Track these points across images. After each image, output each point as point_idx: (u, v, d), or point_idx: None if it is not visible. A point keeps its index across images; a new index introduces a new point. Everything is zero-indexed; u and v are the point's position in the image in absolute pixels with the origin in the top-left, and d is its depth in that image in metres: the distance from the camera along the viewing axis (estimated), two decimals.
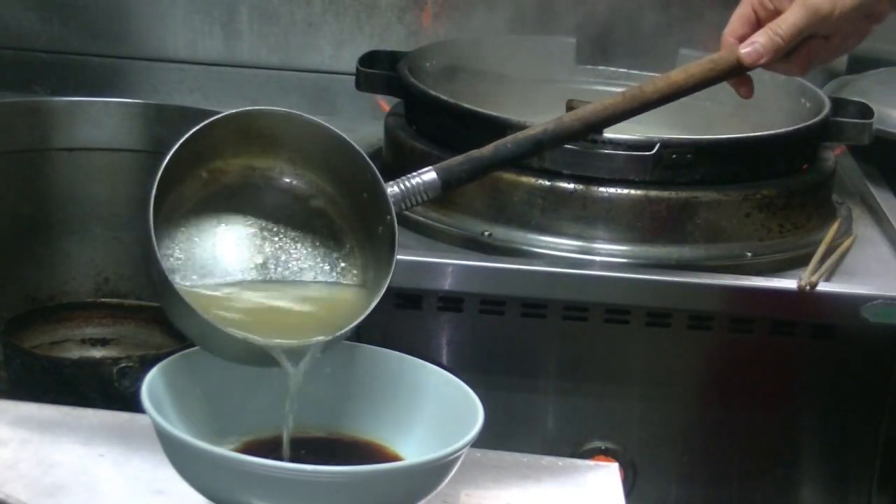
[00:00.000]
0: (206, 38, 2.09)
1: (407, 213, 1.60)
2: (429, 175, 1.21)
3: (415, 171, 1.60)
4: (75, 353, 1.61)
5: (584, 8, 1.90)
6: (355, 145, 1.16)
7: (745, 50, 1.32)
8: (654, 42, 1.95)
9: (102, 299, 1.68)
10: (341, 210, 1.19)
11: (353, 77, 1.77)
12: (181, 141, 1.10)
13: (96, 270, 1.70)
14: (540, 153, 1.41)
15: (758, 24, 1.34)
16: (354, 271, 1.19)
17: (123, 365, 1.43)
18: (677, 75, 1.33)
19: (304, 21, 2.08)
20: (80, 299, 1.68)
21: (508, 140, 1.26)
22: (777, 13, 1.32)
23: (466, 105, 1.59)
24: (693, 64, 1.34)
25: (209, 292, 1.13)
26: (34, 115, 1.68)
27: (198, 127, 1.11)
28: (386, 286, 1.15)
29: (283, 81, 2.09)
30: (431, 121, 1.65)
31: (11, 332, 1.55)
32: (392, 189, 1.18)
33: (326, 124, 1.16)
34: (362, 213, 1.19)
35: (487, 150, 1.25)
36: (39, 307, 1.65)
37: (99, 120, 1.69)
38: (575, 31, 1.90)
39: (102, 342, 1.63)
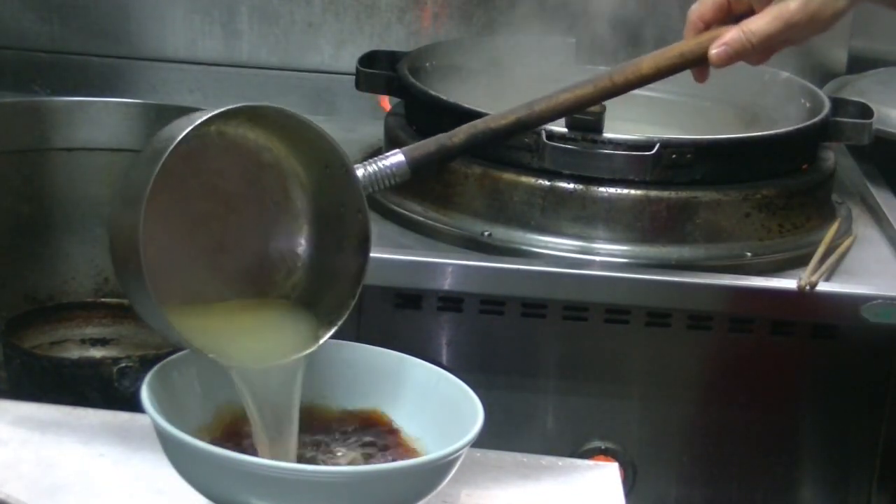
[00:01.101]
0: (206, 38, 2.09)
1: (407, 213, 1.61)
2: (397, 158, 1.17)
3: None
4: (75, 353, 1.60)
5: (584, 8, 1.90)
6: (324, 130, 1.12)
7: (715, 51, 1.33)
8: (654, 42, 1.95)
9: (102, 299, 1.67)
10: (302, 183, 1.14)
11: (353, 77, 1.77)
12: (171, 147, 1.06)
13: (96, 270, 1.70)
14: (511, 138, 1.38)
15: (728, 10, 1.34)
16: (303, 258, 1.16)
17: (123, 365, 1.43)
18: (647, 67, 1.33)
19: (304, 21, 2.08)
20: (80, 299, 1.67)
21: (479, 125, 1.25)
22: (750, 9, 1.33)
23: (467, 105, 1.59)
24: (662, 55, 1.34)
25: (179, 301, 1.10)
26: (34, 115, 1.68)
27: (188, 129, 1.07)
28: (352, 306, 1.12)
29: (283, 81, 2.09)
30: (431, 121, 1.65)
31: (11, 332, 1.55)
32: (359, 171, 1.13)
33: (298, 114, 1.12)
34: (324, 189, 1.14)
35: (458, 135, 1.23)
36: (39, 307, 1.65)
37: (99, 120, 1.69)
38: (575, 31, 1.90)
39: (102, 342, 1.63)
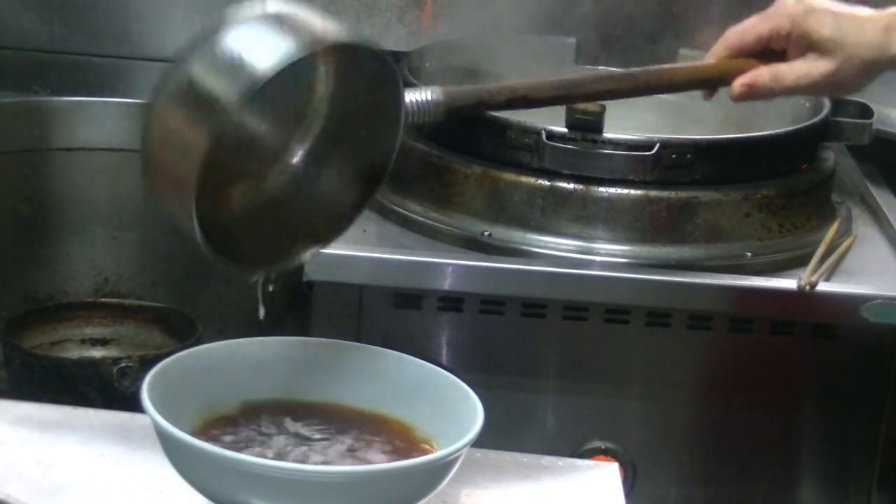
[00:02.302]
0: None
1: (407, 213, 1.61)
2: (436, 95, 1.16)
3: (414, 170, 1.61)
4: (75, 353, 1.61)
5: (584, 8, 1.90)
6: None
7: (738, 90, 1.37)
8: (654, 42, 1.95)
9: (102, 299, 1.68)
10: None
11: None
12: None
13: (96, 270, 1.70)
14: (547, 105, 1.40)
15: (766, 45, 1.36)
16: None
17: (123, 365, 1.43)
18: (681, 77, 1.37)
19: None
20: (80, 299, 1.68)
21: (519, 91, 1.25)
22: (783, 52, 1.36)
23: None
24: (694, 71, 1.38)
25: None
26: (34, 115, 1.68)
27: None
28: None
29: None
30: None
31: (11, 332, 1.55)
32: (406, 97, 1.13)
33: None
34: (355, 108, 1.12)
35: (499, 97, 1.23)
36: (39, 307, 1.65)
37: (99, 120, 1.69)
38: (575, 31, 1.90)
39: (102, 342, 1.64)
